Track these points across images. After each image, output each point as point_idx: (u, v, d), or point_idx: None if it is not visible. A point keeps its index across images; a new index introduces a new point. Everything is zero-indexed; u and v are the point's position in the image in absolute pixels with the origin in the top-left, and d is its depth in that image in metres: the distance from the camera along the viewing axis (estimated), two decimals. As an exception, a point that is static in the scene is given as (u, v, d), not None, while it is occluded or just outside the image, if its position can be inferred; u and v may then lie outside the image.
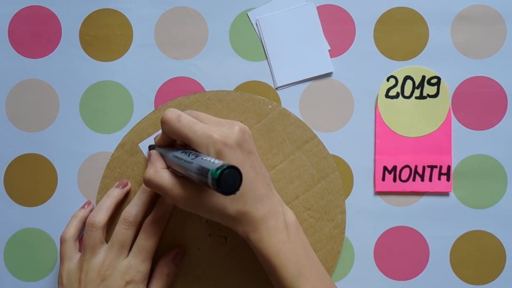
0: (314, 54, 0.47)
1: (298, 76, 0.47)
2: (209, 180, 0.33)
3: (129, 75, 0.47)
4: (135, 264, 0.42)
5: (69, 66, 0.47)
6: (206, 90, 0.47)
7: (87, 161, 0.47)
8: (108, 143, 0.47)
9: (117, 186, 0.45)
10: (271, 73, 0.47)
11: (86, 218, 0.45)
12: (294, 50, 0.47)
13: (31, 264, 0.47)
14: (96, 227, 0.42)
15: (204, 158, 0.35)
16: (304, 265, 0.40)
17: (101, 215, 0.43)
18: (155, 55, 0.47)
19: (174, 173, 0.40)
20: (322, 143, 0.47)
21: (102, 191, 0.46)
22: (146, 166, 0.46)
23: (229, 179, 0.32)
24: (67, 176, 0.47)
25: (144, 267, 0.42)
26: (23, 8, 0.48)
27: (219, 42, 0.47)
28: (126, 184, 0.46)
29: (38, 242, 0.47)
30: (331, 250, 0.46)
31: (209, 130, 0.38)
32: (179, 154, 0.39)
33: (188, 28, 0.47)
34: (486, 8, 0.46)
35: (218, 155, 0.37)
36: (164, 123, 0.40)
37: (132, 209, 0.43)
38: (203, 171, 0.34)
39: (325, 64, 0.47)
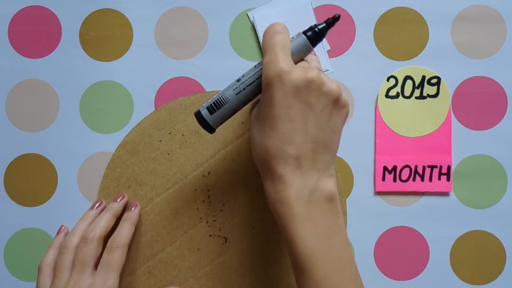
0: (314, 54, 0.47)
1: (298, 76, 0.47)
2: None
3: (129, 75, 0.47)
4: (99, 281, 0.41)
5: (69, 66, 0.47)
6: (206, 90, 0.47)
7: (87, 161, 0.47)
8: (108, 143, 0.47)
9: (115, 200, 0.46)
10: (271, 73, 0.47)
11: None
12: (294, 50, 0.47)
13: (31, 264, 0.47)
14: (68, 248, 0.42)
15: None
16: None
17: (73, 239, 0.43)
18: (155, 55, 0.47)
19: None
20: (322, 143, 0.46)
21: (103, 191, 0.46)
22: (146, 166, 0.46)
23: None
24: (67, 176, 0.47)
25: (110, 283, 0.41)
26: (23, 8, 0.48)
27: (219, 42, 0.47)
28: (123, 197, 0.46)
29: (38, 242, 0.47)
30: (331, 250, 0.46)
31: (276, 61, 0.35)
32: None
33: (188, 28, 0.47)
34: (486, 8, 0.46)
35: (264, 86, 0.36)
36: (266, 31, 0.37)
37: (91, 227, 0.43)
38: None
39: (325, 64, 0.47)
